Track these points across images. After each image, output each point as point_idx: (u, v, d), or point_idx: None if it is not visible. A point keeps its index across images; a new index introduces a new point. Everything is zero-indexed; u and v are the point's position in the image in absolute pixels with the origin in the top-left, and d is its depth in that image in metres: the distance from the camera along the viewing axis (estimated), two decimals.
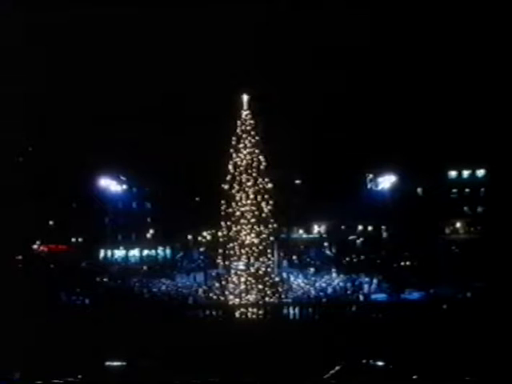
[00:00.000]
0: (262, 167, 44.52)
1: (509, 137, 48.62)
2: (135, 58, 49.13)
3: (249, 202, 43.90)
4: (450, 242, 52.96)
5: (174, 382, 20.85)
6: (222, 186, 44.06)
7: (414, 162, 51.44)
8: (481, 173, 54.01)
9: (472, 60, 48.53)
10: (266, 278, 43.64)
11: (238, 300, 42.64)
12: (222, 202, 43.80)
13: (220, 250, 44.51)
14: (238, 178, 44.20)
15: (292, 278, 46.61)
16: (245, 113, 44.93)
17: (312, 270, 49.52)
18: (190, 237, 54.92)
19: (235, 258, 43.95)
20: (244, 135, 44.71)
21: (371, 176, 55.15)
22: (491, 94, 48.98)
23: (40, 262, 52.22)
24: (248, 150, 44.53)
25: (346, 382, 22.71)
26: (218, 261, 44.91)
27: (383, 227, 54.05)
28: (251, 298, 42.68)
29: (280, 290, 43.53)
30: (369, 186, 55.44)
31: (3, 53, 43.11)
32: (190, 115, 50.07)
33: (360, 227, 54.41)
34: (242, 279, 43.31)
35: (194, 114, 49.82)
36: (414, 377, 22.43)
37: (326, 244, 54.03)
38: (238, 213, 43.89)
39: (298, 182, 55.49)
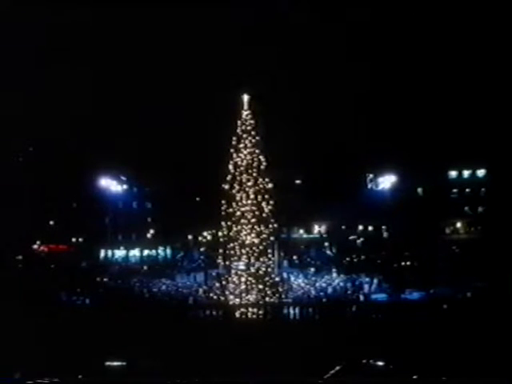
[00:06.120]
0: (262, 167, 44.55)
1: (509, 137, 48.59)
2: (135, 57, 49.16)
3: (249, 201, 43.92)
4: (450, 241, 52.91)
5: (173, 381, 20.81)
6: (223, 186, 44.08)
7: (414, 161, 51.43)
8: (481, 173, 53.96)
9: (472, 60, 48.52)
10: (267, 278, 43.65)
11: (238, 300, 42.66)
12: (223, 201, 43.82)
13: (220, 250, 44.54)
14: (238, 177, 44.23)
15: (292, 278, 46.58)
16: (245, 113, 44.95)
17: (312, 269, 49.48)
18: (190, 237, 54.84)
19: (235, 258, 43.96)
20: (244, 135, 44.74)
21: (371, 176, 55.15)
22: (491, 93, 48.96)
23: (40, 262, 52.21)
24: (248, 150, 44.55)
25: (346, 382, 22.68)
26: (219, 261, 44.90)
27: (383, 227, 54.00)
28: (251, 297, 42.70)
29: (280, 289, 43.54)
30: (369, 186, 55.44)
31: (3, 53, 43.14)
32: (190, 115, 50.03)
33: (360, 227, 54.34)
34: (243, 279, 43.32)
35: (194, 114, 49.79)
36: (414, 377, 22.41)
37: (326, 244, 53.94)
38: (238, 213, 43.91)
39: (298, 181, 55.46)
